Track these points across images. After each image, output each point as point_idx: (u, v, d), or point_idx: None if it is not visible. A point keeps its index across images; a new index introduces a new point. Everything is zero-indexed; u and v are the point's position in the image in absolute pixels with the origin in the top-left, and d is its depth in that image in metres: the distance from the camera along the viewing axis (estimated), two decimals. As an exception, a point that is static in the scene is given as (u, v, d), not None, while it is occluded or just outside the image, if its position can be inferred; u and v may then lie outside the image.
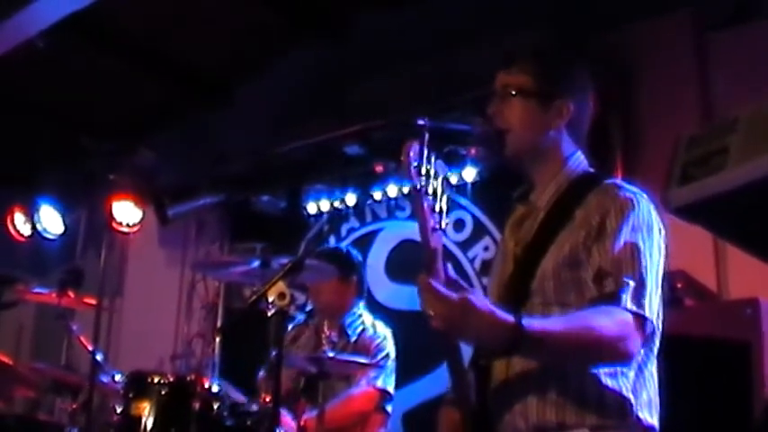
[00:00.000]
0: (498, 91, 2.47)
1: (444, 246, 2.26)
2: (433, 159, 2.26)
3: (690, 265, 4.17)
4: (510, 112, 2.42)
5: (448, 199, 2.25)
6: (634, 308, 2.14)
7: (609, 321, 2.11)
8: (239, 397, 4.15)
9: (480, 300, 2.03)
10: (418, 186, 2.23)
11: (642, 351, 2.21)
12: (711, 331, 3.29)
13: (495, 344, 2.06)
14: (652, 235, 2.26)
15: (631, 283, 2.16)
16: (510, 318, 2.02)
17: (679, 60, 5.22)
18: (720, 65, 5.08)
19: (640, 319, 2.15)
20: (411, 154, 2.25)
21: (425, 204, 2.22)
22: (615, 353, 2.14)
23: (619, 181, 2.44)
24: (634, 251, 2.20)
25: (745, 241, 1.55)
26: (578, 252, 2.24)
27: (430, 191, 2.23)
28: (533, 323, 2.05)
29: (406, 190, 6.13)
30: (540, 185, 2.46)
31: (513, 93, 2.42)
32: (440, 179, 2.25)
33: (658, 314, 2.22)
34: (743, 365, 3.19)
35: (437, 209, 2.22)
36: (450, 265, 2.20)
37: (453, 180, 5.72)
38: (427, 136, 2.27)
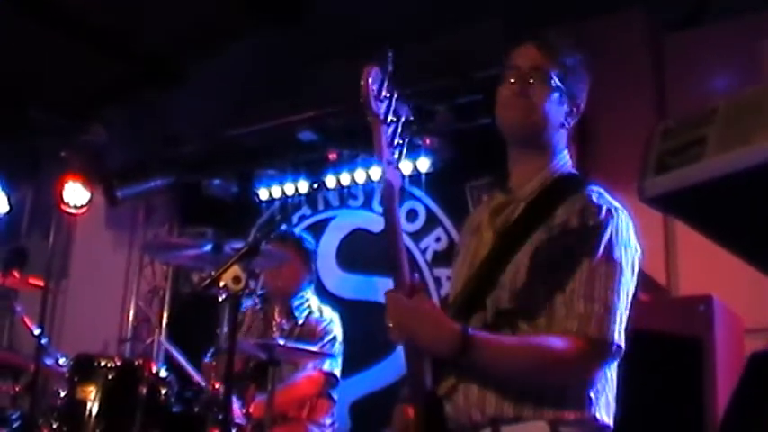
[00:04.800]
0: (526, 69, 2.34)
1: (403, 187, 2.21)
2: (394, 94, 2.20)
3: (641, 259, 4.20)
4: (538, 98, 2.32)
5: (409, 142, 2.20)
6: (596, 334, 2.13)
7: (563, 343, 2.12)
8: (189, 368, 4.11)
9: (430, 304, 2.09)
10: (375, 112, 2.17)
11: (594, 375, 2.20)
12: (664, 326, 3.31)
13: (442, 347, 2.05)
14: (628, 252, 2.23)
15: (600, 309, 2.14)
16: (456, 325, 2.06)
17: (634, 58, 5.27)
18: (674, 64, 5.14)
19: (601, 345, 2.14)
20: (369, 79, 2.18)
21: (383, 134, 2.17)
22: (565, 373, 2.16)
23: (602, 190, 2.36)
24: (609, 272, 2.18)
25: (719, 233, 1.55)
26: (552, 259, 2.21)
27: (389, 120, 2.17)
28: (480, 333, 2.09)
29: (363, 176, 6.10)
30: (523, 175, 2.40)
31: (550, 81, 2.32)
32: (401, 120, 2.19)
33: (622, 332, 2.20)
34: (695, 361, 3.23)
35: (395, 142, 2.17)
36: (417, 274, 2.17)
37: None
38: (391, 67, 2.21)
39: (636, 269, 2.27)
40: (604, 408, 2.23)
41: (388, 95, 2.19)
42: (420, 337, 2.06)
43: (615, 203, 2.30)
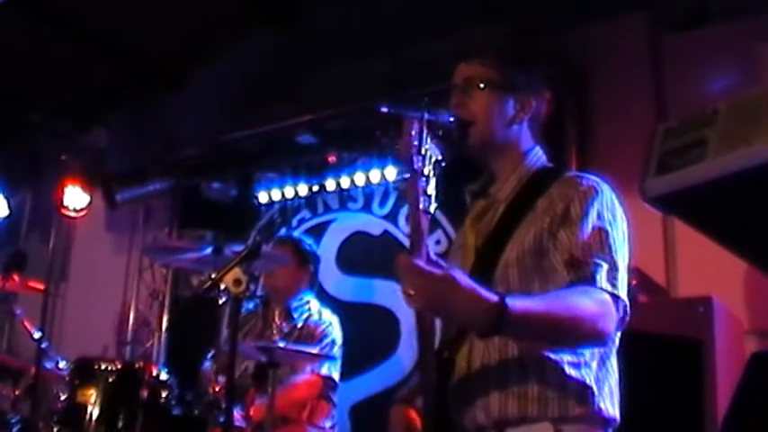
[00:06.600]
0: (460, 83, 2.46)
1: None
2: (429, 141, 2.24)
3: (640, 260, 4.21)
4: (475, 104, 2.42)
5: (437, 183, 2.23)
6: (609, 288, 2.13)
7: (588, 300, 2.08)
8: None
9: (463, 276, 1.93)
10: (416, 166, 2.20)
11: (615, 334, 2.20)
12: (664, 328, 3.32)
13: (477, 321, 1.95)
14: (617, 220, 2.27)
15: (605, 266, 2.15)
16: (493, 296, 1.93)
17: (634, 61, 5.28)
18: (674, 66, 5.14)
19: (616, 299, 2.14)
20: (413, 133, 2.23)
21: (420, 186, 2.20)
22: (594, 332, 2.09)
23: (580, 173, 2.42)
24: (603, 235, 2.20)
25: (720, 233, 1.55)
26: (542, 239, 2.24)
27: (425, 172, 2.21)
28: (516, 302, 1.95)
29: (363, 178, 6.09)
30: (501, 178, 2.46)
31: (482, 85, 2.41)
32: (433, 162, 2.23)
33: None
34: (695, 363, 3.23)
35: (428, 192, 2.20)
36: (430, 246, 2.18)
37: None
38: (426, 116, 2.25)
39: (626, 238, 2.28)
40: (608, 398, 2.23)
41: (426, 146, 2.23)
42: (455, 308, 1.92)
43: (595, 179, 2.33)
